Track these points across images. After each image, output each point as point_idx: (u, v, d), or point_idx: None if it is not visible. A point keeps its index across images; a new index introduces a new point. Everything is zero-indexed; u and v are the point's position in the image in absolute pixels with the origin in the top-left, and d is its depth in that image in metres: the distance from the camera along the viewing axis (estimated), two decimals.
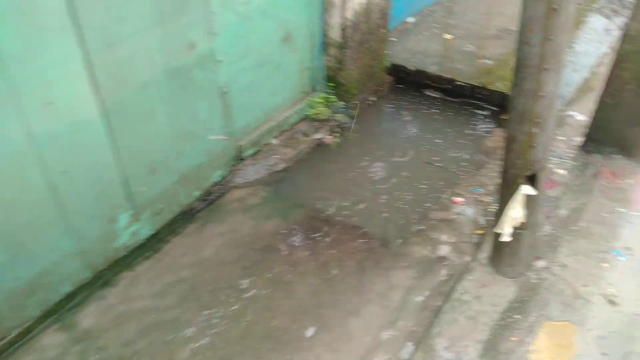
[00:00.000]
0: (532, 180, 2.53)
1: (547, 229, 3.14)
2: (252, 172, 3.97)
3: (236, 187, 3.88)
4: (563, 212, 3.25)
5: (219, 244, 3.42)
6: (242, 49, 3.58)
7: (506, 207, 2.59)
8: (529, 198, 2.56)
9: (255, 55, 3.72)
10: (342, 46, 4.16)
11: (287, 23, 3.86)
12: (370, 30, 4.36)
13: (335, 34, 4.14)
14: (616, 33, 5.49)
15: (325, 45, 4.24)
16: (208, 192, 3.74)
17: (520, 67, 2.29)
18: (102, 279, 3.14)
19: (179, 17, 2.96)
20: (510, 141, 2.50)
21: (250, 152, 4.00)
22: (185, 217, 3.60)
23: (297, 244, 3.40)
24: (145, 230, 3.33)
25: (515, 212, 2.57)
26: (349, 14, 4.01)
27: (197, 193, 3.64)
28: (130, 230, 3.22)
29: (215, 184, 3.79)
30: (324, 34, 4.18)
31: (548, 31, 2.14)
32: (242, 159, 3.97)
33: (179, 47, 3.05)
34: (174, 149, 3.29)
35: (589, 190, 3.41)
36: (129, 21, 2.70)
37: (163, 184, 3.32)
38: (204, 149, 3.54)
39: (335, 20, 4.05)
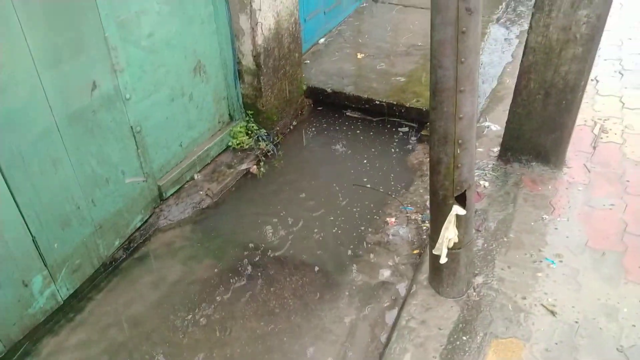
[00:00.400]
0: (461, 199, 2.54)
1: (479, 243, 3.18)
2: (176, 212, 3.75)
3: (161, 230, 3.64)
4: (492, 224, 3.32)
5: (147, 295, 3.17)
6: (151, 83, 3.38)
7: (442, 229, 2.58)
8: (460, 217, 2.57)
9: (166, 89, 3.53)
10: (256, 73, 4.06)
11: (196, 53, 3.71)
12: (283, 55, 4.30)
13: (248, 61, 4.03)
14: (515, 41, 5.81)
15: (239, 72, 4.12)
16: (130, 240, 3.47)
17: (436, 91, 2.29)
18: (19, 350, 2.80)
19: (75, 56, 2.73)
20: (435, 163, 2.50)
21: (172, 191, 3.78)
22: (108, 269, 3.32)
23: (233, 286, 3.23)
24: (64, 290, 3.03)
25: (450, 233, 2.57)
26: (260, 40, 3.92)
27: (118, 242, 3.37)
28: (46, 293, 2.91)
29: (138, 229, 3.53)
30: (237, 62, 4.06)
31: (460, 54, 2.15)
32: (164, 199, 3.74)
33: (80, 88, 2.81)
34: (86, 198, 3.02)
35: (513, 200, 3.51)
36: (17, 66, 2.44)
37: (78, 238, 3.03)
38: (121, 194, 3.29)
39: (246, 47, 3.95)
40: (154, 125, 3.49)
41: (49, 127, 2.67)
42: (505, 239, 3.22)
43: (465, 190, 2.53)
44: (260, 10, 3.79)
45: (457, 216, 2.57)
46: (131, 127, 3.24)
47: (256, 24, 3.82)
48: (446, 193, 2.55)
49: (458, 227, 2.61)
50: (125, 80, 3.10)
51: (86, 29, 2.75)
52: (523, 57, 3.41)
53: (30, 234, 2.71)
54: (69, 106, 2.76)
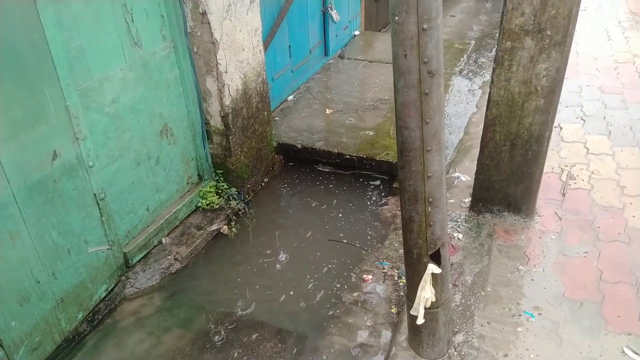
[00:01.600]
0: (436, 257, 2.50)
1: (457, 298, 3.12)
2: (143, 279, 3.60)
3: (127, 299, 3.47)
4: (468, 278, 3.28)
5: None
6: (115, 149, 3.31)
7: (418, 289, 2.52)
8: (436, 275, 2.52)
9: (132, 153, 3.46)
10: (225, 133, 4.04)
11: (163, 116, 3.67)
12: (252, 114, 4.30)
13: (216, 122, 4.01)
14: (479, 92, 5.97)
15: (208, 133, 4.09)
16: (94, 311, 3.30)
17: (403, 151, 2.28)
18: None
19: (34, 127, 2.65)
20: (407, 222, 2.46)
21: (139, 257, 3.65)
22: (71, 345, 3.13)
23: (204, 357, 3.06)
24: None
25: (426, 293, 2.51)
26: (228, 101, 3.92)
27: (81, 315, 3.19)
28: None
29: (102, 299, 3.36)
30: (205, 122, 4.03)
31: (424, 114, 2.16)
32: (130, 267, 3.60)
33: (39, 159, 2.72)
34: (47, 271, 2.87)
35: (488, 252, 3.48)
36: None
37: (38, 313, 2.86)
38: (83, 264, 3.14)
39: (214, 108, 3.94)
40: (119, 191, 3.39)
41: (7, 201, 2.56)
42: (482, 293, 3.17)
43: (439, 248, 2.49)
44: (226, 72, 3.81)
45: (433, 274, 2.52)
46: (94, 194, 3.13)
47: (223, 86, 3.82)
48: (420, 252, 2.50)
49: (434, 285, 2.55)
50: (87, 147, 3.02)
51: (46, 99, 2.69)
52: (487, 110, 3.48)
53: None
54: (27, 177, 2.66)
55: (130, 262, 3.55)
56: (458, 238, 3.67)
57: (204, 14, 3.56)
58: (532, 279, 3.22)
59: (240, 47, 3.96)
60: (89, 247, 3.16)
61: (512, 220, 3.75)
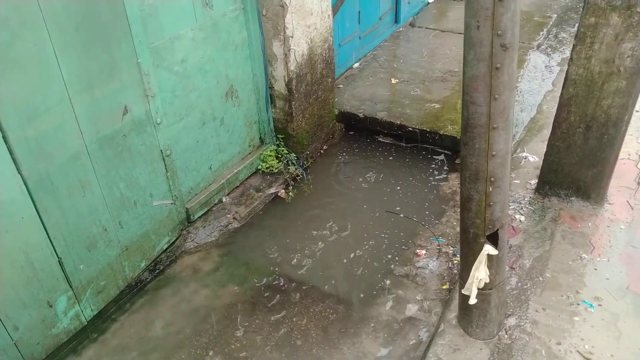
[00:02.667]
0: (493, 238, 2.43)
1: (513, 281, 3.04)
2: (203, 234, 3.74)
3: (187, 252, 3.63)
4: (527, 262, 3.17)
5: (170, 318, 3.16)
6: (182, 108, 3.40)
7: (472, 269, 2.47)
8: (492, 257, 2.45)
9: (197, 113, 3.55)
10: (288, 98, 4.05)
11: (229, 78, 3.72)
12: (316, 81, 4.28)
13: (280, 87, 4.02)
14: (557, 69, 5.64)
15: (271, 97, 4.12)
16: (156, 261, 3.48)
17: (468, 127, 2.20)
18: None
19: (107, 82, 2.77)
20: (466, 200, 2.39)
21: (200, 213, 3.78)
22: (133, 291, 3.32)
23: (255, 315, 3.17)
24: (88, 310, 3.04)
25: (480, 273, 2.45)
26: (293, 66, 3.91)
27: (143, 264, 3.37)
28: (71, 313, 2.93)
29: (164, 251, 3.54)
30: (270, 87, 4.06)
31: (493, 90, 2.07)
32: (192, 222, 3.74)
33: (111, 113, 2.84)
34: (114, 221, 3.04)
35: (551, 237, 3.34)
36: (50, 91, 2.48)
37: (104, 259, 3.05)
38: (148, 216, 3.30)
39: (279, 72, 3.95)
40: (184, 149, 3.50)
41: (79, 151, 2.71)
42: (540, 279, 3.06)
43: (498, 230, 2.42)
44: (293, 37, 3.79)
45: (489, 256, 2.45)
46: (161, 150, 3.26)
47: (289, 50, 3.82)
48: (477, 231, 2.44)
49: (489, 267, 2.49)
50: (156, 105, 3.13)
51: (119, 55, 2.79)
52: (563, 89, 3.28)
53: (57, 255, 2.73)
54: (99, 130, 2.79)
55: (191, 217, 3.69)
56: (520, 220, 3.54)
57: None
58: (595, 269, 3.07)
59: (308, 11, 3.91)
60: (154, 200, 3.31)
61: (580, 206, 3.56)
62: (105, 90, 2.76)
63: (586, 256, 3.18)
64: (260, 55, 3.87)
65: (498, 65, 2.02)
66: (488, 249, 2.42)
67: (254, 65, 3.90)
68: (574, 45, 3.11)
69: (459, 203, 3.93)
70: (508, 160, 2.28)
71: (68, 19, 2.48)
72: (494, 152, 2.21)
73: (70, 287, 2.86)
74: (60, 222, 2.70)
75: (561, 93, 3.31)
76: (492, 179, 2.28)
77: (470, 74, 2.09)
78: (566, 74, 3.24)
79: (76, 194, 2.75)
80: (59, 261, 2.75)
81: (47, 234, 2.65)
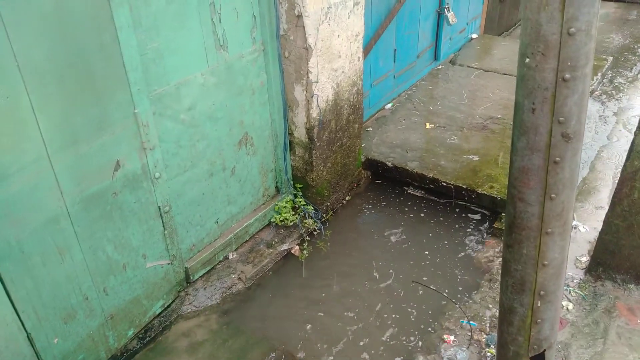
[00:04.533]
0: None
1: None
2: (203, 297, 3.36)
3: (184, 317, 3.25)
4: None
5: None
6: (187, 159, 3.06)
7: None
8: None
9: (205, 164, 3.20)
10: (309, 146, 3.67)
11: (243, 125, 3.37)
12: (341, 127, 3.88)
13: (301, 134, 3.65)
14: (612, 120, 5.09)
15: (290, 144, 3.74)
16: (147, 328, 3.11)
17: (513, 227, 1.75)
18: None
19: (96, 136, 2.44)
20: (507, 312, 1.93)
21: (201, 272, 3.41)
22: None
23: None
24: None
25: None
26: (315, 113, 3.53)
27: (131, 332, 3.01)
28: None
29: (157, 316, 3.17)
30: (289, 133, 3.69)
31: (549, 188, 1.62)
32: (191, 282, 3.37)
33: (99, 170, 2.51)
34: (97, 288, 2.69)
35: (604, 334, 2.82)
36: (23, 149, 2.16)
37: (84, 330, 2.70)
38: (139, 280, 2.94)
39: (300, 119, 3.57)
40: (186, 203, 3.15)
41: (58, 214, 2.37)
42: None
43: (544, 350, 1.94)
44: (317, 81, 3.42)
45: None
46: (159, 207, 2.91)
47: (312, 96, 3.44)
48: (518, 350, 1.96)
49: None
50: (155, 158, 2.79)
51: (112, 105, 2.47)
52: (627, 161, 2.78)
53: (25, 330, 2.39)
54: (84, 189, 2.46)
55: (191, 277, 3.33)
56: (567, 308, 3.02)
57: (300, 16, 3.18)
58: None
59: (336, 54, 3.54)
60: (148, 262, 2.96)
61: (639, 297, 3.03)
62: (92, 145, 2.43)
63: None
64: (279, 99, 3.51)
65: (557, 158, 1.57)
66: None
67: (273, 110, 3.54)
68: None
69: (495, 277, 3.47)
70: (563, 272, 1.81)
71: (50, 69, 2.17)
72: (545, 262, 1.75)
73: None
74: (31, 293, 2.36)
75: (624, 165, 2.82)
76: (542, 292, 1.81)
77: (520, 165, 1.65)
78: (632, 144, 2.75)
79: (52, 261, 2.42)
80: (27, 337, 2.41)
81: (14, 307, 2.31)
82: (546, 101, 1.51)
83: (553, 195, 1.63)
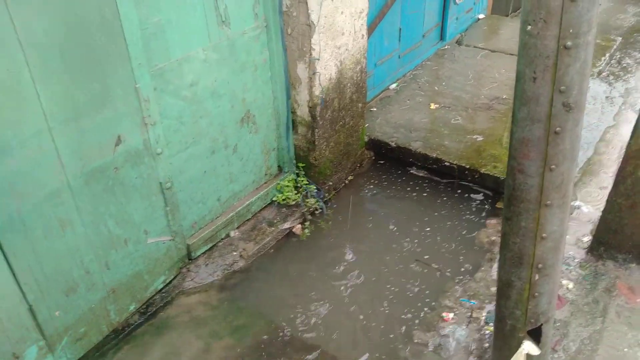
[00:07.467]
0: (535, 334, 1.95)
1: None
2: (205, 273, 3.38)
3: (185, 293, 3.28)
4: (572, 344, 2.66)
5: None
6: (189, 135, 3.05)
7: None
8: (531, 356, 1.98)
9: (207, 141, 3.19)
10: (311, 125, 3.65)
11: (246, 102, 3.35)
12: (344, 106, 3.86)
13: (303, 112, 3.63)
14: (619, 101, 5.03)
15: (293, 123, 3.73)
16: (149, 303, 3.14)
17: (512, 199, 1.75)
18: None
19: (98, 110, 2.43)
20: (505, 285, 1.93)
21: (203, 249, 3.43)
22: (120, 336, 2.99)
23: None
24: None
25: None
26: (317, 91, 3.50)
27: (133, 307, 3.04)
28: None
29: (159, 291, 3.20)
30: (292, 112, 3.67)
31: (549, 159, 1.60)
32: (193, 259, 3.39)
33: (100, 144, 2.51)
34: (99, 261, 2.71)
35: (603, 312, 2.82)
36: (25, 123, 2.17)
37: (85, 304, 2.72)
38: (141, 255, 2.96)
39: (303, 97, 3.55)
40: (188, 180, 3.15)
41: (59, 188, 2.38)
42: None
43: (542, 325, 1.94)
44: (320, 59, 3.39)
45: (528, 355, 1.98)
46: (160, 183, 2.91)
47: (314, 74, 3.42)
48: (515, 324, 1.97)
49: None
50: (157, 133, 2.78)
51: (113, 80, 2.46)
52: (631, 139, 2.76)
53: (27, 302, 2.42)
54: (85, 164, 2.46)
55: (193, 254, 3.34)
56: (567, 287, 3.02)
57: None
58: None
59: (339, 31, 3.50)
60: (149, 237, 2.97)
61: None
62: (94, 119, 2.43)
63: None
64: (282, 77, 3.48)
65: (558, 128, 1.56)
66: (528, 347, 1.95)
67: (275, 88, 3.52)
68: None
69: (496, 257, 3.46)
70: (562, 245, 1.80)
71: (50, 42, 2.16)
72: (544, 234, 1.74)
73: (43, 336, 2.54)
74: (33, 266, 2.38)
75: (628, 143, 2.79)
76: (540, 265, 1.81)
77: (520, 136, 1.64)
78: (637, 121, 2.72)
79: (54, 234, 2.43)
80: (29, 309, 2.43)
81: (16, 279, 2.33)
82: (547, 70, 1.49)
83: (553, 167, 1.62)
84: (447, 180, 4.21)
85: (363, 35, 3.79)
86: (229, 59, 3.12)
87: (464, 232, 3.73)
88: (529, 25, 1.47)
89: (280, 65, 3.44)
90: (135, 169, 2.74)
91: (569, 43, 1.43)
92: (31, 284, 2.40)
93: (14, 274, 2.31)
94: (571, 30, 1.41)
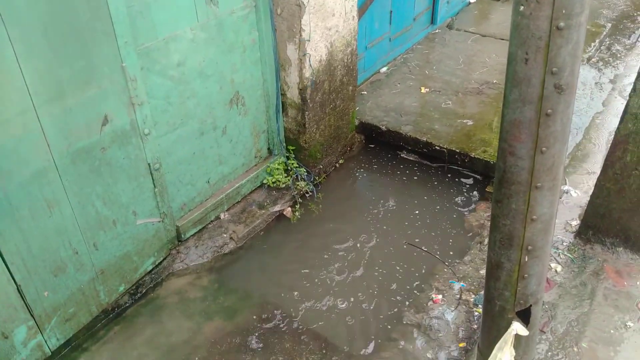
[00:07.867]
0: (524, 315, 1.97)
1: (542, 348, 2.57)
2: (194, 255, 3.37)
3: (175, 274, 3.27)
4: (560, 325, 2.70)
5: (145, 353, 2.81)
6: (177, 116, 3.02)
7: (495, 348, 2.02)
8: (520, 336, 2.00)
9: (195, 122, 3.16)
10: (301, 107, 3.62)
11: (234, 84, 3.31)
12: (335, 89, 3.83)
13: (293, 94, 3.60)
14: (608, 87, 5.04)
15: (283, 105, 3.70)
16: (139, 284, 3.13)
17: (503, 181, 1.75)
18: None
19: (83, 89, 2.39)
20: (494, 267, 1.94)
21: (193, 231, 3.41)
22: (109, 316, 2.98)
23: (239, 356, 2.80)
24: (53, 340, 2.70)
25: (504, 355, 2.00)
26: (307, 73, 3.47)
27: (122, 288, 3.02)
28: (31, 344, 2.59)
29: (148, 272, 3.18)
30: (282, 94, 3.64)
31: (540, 141, 1.60)
32: (182, 241, 3.38)
33: (87, 124, 2.47)
34: (87, 242, 2.69)
35: (591, 295, 2.86)
36: (8, 101, 2.12)
37: (74, 284, 2.70)
38: (130, 236, 2.94)
39: (292, 79, 3.52)
40: (177, 161, 3.12)
41: (46, 167, 2.35)
42: (575, 349, 2.59)
43: (531, 306, 1.96)
44: (310, 40, 3.35)
45: (517, 335, 2.00)
46: (148, 164, 2.88)
47: (304, 55, 3.38)
48: (505, 305, 1.99)
49: (516, 346, 2.04)
50: (144, 113, 2.74)
51: (99, 58, 2.41)
52: (620, 123, 2.77)
53: (15, 282, 2.39)
54: (72, 144, 2.43)
55: (182, 236, 3.33)
56: (556, 270, 3.05)
57: None
58: None
59: (330, 12, 3.46)
60: (138, 218, 2.95)
61: (628, 259, 3.06)
62: (80, 98, 2.39)
63: (632, 324, 2.69)
64: (272, 58, 3.45)
65: (549, 110, 1.56)
66: (517, 328, 1.97)
67: (265, 69, 3.48)
68: (639, 73, 2.59)
69: (486, 240, 3.48)
70: (552, 227, 1.81)
71: (34, 19, 2.11)
72: (534, 216, 1.75)
73: (32, 316, 2.53)
74: (20, 246, 2.36)
75: (617, 128, 2.80)
76: (530, 247, 1.82)
77: (511, 118, 1.64)
78: (626, 106, 2.73)
79: (41, 214, 2.40)
80: (17, 289, 2.41)
81: (3, 259, 2.31)
82: (539, 51, 1.48)
83: (544, 149, 1.62)
84: (437, 164, 4.22)
85: (354, 16, 3.75)
86: (217, 39, 3.08)
87: (454, 216, 3.75)
88: (522, 5, 1.45)
89: (270, 46, 3.40)
90: (123, 150, 2.71)
91: (561, 24, 1.42)
92: (18, 264, 2.38)
93: (1, 255, 2.28)
94: (564, 11, 1.40)
